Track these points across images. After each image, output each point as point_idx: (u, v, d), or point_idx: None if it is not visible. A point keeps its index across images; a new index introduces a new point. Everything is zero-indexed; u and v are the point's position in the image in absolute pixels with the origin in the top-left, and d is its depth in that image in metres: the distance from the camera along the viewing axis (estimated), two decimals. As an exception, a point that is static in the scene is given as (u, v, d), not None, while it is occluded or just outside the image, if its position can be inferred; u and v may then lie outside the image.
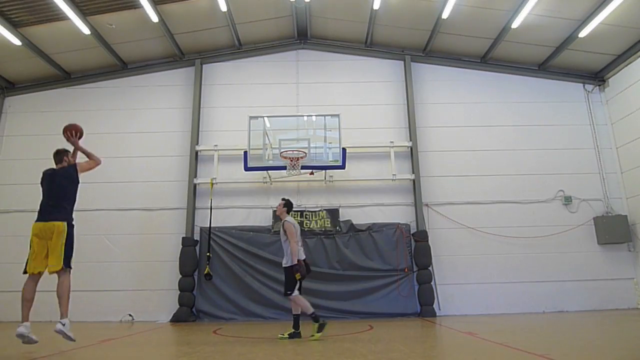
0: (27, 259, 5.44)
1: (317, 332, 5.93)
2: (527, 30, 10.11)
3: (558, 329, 6.85)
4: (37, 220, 5.44)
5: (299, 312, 6.28)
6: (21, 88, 11.44)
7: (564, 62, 11.12)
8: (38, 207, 5.53)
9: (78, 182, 5.82)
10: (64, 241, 5.46)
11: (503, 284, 9.99)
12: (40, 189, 5.70)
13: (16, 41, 9.70)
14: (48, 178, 5.73)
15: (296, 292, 6.18)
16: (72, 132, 6.06)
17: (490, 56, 11.22)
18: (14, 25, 9.52)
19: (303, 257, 6.37)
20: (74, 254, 5.63)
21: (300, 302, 6.17)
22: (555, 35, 10.30)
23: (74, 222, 5.72)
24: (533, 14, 9.56)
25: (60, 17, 9.42)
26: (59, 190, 5.61)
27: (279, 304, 9.48)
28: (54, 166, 5.87)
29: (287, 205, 6.61)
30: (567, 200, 10.46)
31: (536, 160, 10.77)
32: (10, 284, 10.06)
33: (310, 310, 6.08)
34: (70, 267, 5.62)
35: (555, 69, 11.38)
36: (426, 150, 10.78)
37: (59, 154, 5.97)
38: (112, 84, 11.46)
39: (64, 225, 5.46)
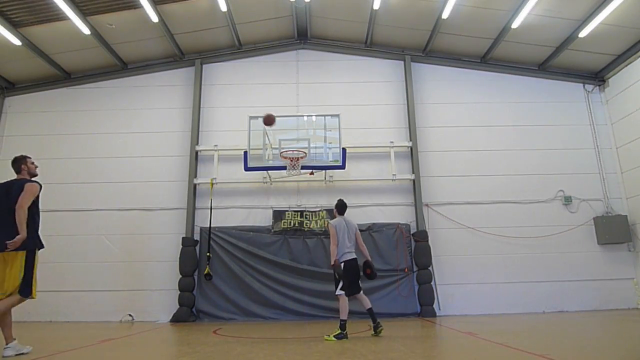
0: None
1: (334, 337, 5.84)
2: (527, 31, 10.11)
3: (558, 329, 6.85)
4: None
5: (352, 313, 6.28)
6: (21, 88, 11.44)
7: (564, 62, 11.12)
8: None
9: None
10: (22, 273, 4.86)
11: (503, 284, 9.99)
12: None
13: (16, 41, 9.70)
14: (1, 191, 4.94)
15: (340, 291, 6.19)
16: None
17: (491, 56, 11.22)
18: (14, 25, 9.52)
19: (351, 257, 6.31)
20: (35, 283, 4.97)
21: (342, 303, 6.18)
22: (555, 36, 10.30)
23: (37, 242, 5.04)
24: (533, 14, 9.56)
25: (60, 17, 9.42)
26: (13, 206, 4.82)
27: (279, 304, 9.50)
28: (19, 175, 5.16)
29: (337, 206, 6.73)
30: (567, 200, 10.46)
31: (536, 161, 10.77)
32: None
33: (344, 317, 6.09)
34: (31, 297, 4.99)
35: (555, 69, 11.39)
36: (426, 150, 10.78)
37: (17, 162, 5.17)
38: (112, 84, 11.46)
39: (22, 256, 4.86)
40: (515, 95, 11.29)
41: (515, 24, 9.85)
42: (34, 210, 5.07)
